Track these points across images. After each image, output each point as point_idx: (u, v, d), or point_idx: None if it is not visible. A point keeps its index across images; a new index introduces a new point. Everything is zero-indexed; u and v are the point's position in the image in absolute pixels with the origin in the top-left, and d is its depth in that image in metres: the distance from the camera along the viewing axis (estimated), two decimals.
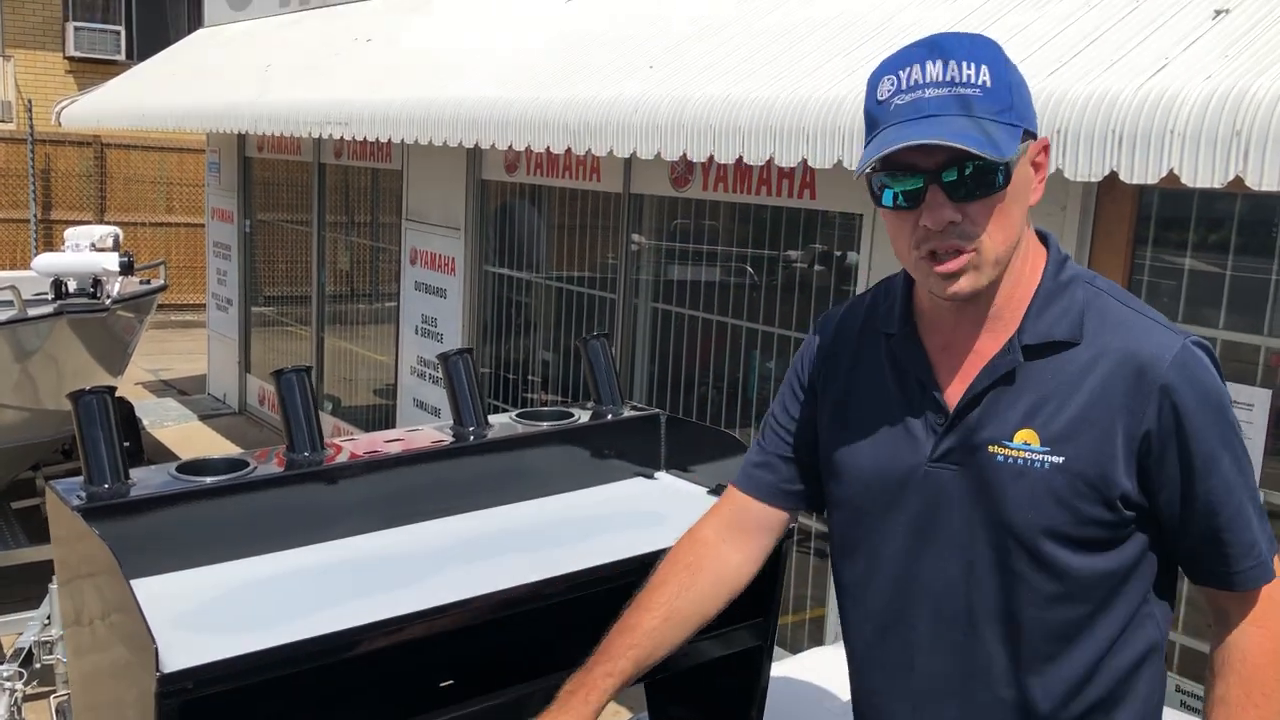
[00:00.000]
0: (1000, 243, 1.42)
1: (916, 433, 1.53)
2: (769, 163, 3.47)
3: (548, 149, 4.33)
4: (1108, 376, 1.44)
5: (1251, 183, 2.37)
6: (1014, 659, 1.50)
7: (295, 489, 1.90)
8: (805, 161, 3.31)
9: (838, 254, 4.71)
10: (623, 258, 5.57)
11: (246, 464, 1.88)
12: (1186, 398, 1.42)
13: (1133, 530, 1.48)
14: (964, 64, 1.38)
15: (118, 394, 1.82)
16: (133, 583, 1.47)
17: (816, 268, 4.86)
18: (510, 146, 4.57)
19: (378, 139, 5.47)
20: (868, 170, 1.44)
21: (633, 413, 2.31)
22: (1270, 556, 1.48)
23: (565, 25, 5.48)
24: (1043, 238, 1.55)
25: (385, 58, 6.54)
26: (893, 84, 1.41)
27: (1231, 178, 2.40)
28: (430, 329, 7.08)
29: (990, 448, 1.47)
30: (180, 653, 1.43)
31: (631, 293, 5.60)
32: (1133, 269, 3.60)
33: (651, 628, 1.65)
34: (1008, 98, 1.39)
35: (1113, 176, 2.65)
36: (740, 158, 3.52)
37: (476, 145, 4.81)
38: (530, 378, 6.68)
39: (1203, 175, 2.46)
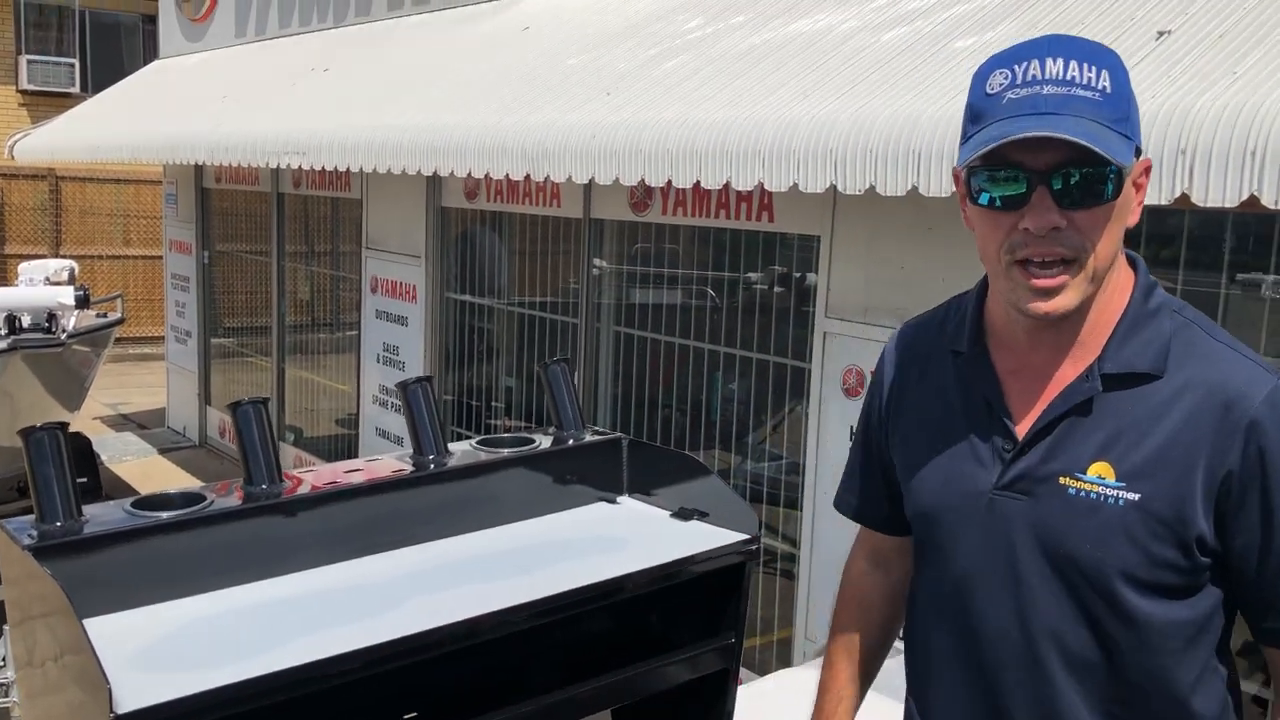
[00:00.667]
0: (1103, 258, 1.34)
1: (982, 457, 1.45)
2: (726, 186, 3.50)
3: (506, 175, 4.34)
4: (1192, 411, 1.34)
5: (1198, 199, 2.42)
6: (1086, 702, 1.41)
7: (253, 522, 1.88)
8: (762, 184, 3.33)
9: (797, 275, 4.75)
10: (584, 282, 5.58)
11: (203, 498, 1.85)
12: (1275, 439, 1.31)
13: (1207, 580, 1.38)
14: (1085, 65, 1.30)
15: (74, 429, 1.80)
16: (86, 622, 1.44)
17: (776, 289, 4.90)
18: (469, 173, 4.58)
19: (335, 168, 5.45)
20: (966, 166, 1.35)
21: (594, 437, 2.31)
22: None
23: (522, 52, 5.50)
24: (1131, 262, 1.45)
25: (342, 87, 6.53)
26: (1006, 78, 1.32)
27: (1178, 194, 2.45)
28: (392, 357, 7.04)
29: (1061, 479, 1.38)
30: (135, 693, 1.40)
31: (594, 317, 5.61)
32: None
33: (851, 676, 1.71)
34: (1125, 108, 1.32)
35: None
36: (698, 182, 3.55)
37: (435, 173, 4.81)
38: (494, 404, 6.66)
39: (1149, 192, 2.49)
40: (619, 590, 1.93)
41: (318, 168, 5.61)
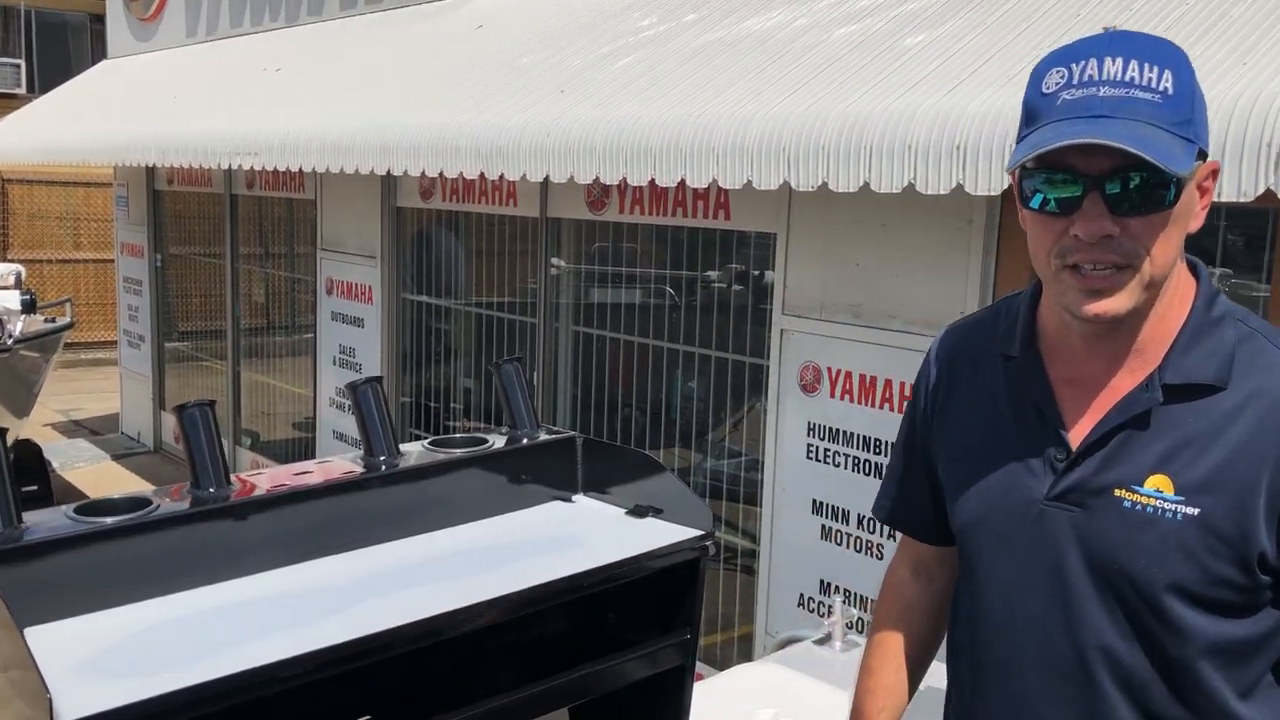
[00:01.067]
0: (1160, 265, 1.28)
1: (1032, 467, 1.40)
2: (681, 184, 3.50)
3: (461, 174, 4.32)
4: (1257, 424, 1.29)
5: None
6: (1137, 718, 1.37)
7: (200, 526, 1.85)
8: (716, 182, 3.34)
9: (755, 273, 4.76)
10: (542, 282, 5.56)
11: (149, 502, 1.82)
12: None
13: (1267, 600, 1.34)
14: (1146, 65, 1.25)
15: (25, 436, 1.77)
16: (28, 631, 1.42)
17: (735, 287, 4.91)
18: (423, 172, 4.55)
19: (288, 168, 5.40)
20: (1019, 168, 1.32)
21: (548, 436, 2.30)
22: None
23: (476, 51, 5.47)
24: (1193, 269, 1.40)
25: (295, 87, 6.47)
26: (1063, 76, 1.27)
27: None
28: (348, 359, 6.99)
29: (1117, 491, 1.34)
30: (78, 702, 1.38)
31: (552, 316, 5.59)
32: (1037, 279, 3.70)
33: (892, 684, 1.66)
34: (1188, 109, 1.26)
35: (1011, 189, 2.72)
36: (652, 179, 3.54)
37: (389, 172, 4.78)
38: (453, 405, 6.63)
39: None
40: (575, 588, 1.92)
41: (270, 168, 5.55)
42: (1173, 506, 1.31)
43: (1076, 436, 1.38)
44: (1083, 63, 1.27)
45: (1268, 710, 1.37)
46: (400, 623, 1.69)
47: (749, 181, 3.24)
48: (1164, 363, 1.34)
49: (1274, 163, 2.28)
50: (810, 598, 4.36)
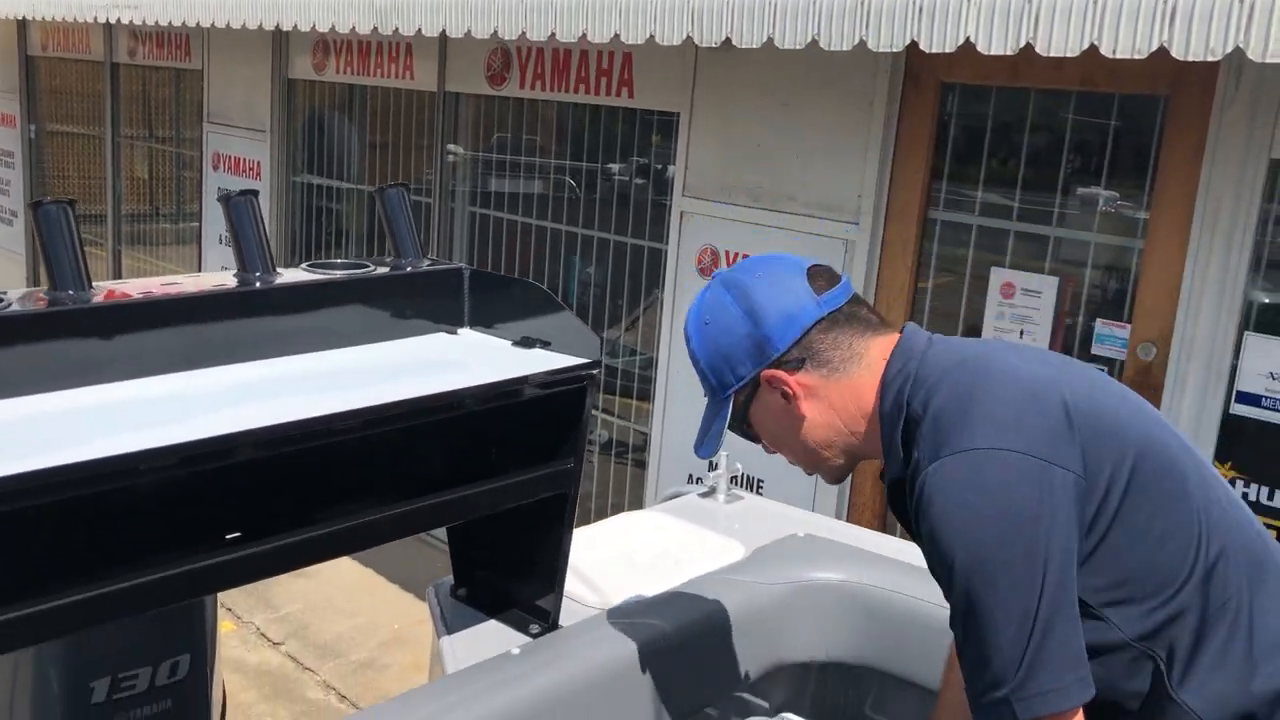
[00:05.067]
0: (794, 456, 1.63)
1: None
2: (584, 58, 3.40)
3: (353, 28, 4.14)
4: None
5: (1041, 49, 2.45)
6: None
7: (56, 328, 1.74)
8: (618, 36, 3.25)
9: (657, 167, 4.71)
10: (438, 161, 5.41)
11: (0, 298, 1.71)
12: (923, 528, 1.36)
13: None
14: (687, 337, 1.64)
15: None
16: None
17: (636, 180, 4.85)
18: (314, 26, 4.35)
19: (170, 23, 5.11)
20: None
21: (433, 266, 2.23)
22: (994, 699, 1.27)
23: None
24: (882, 393, 1.50)
25: None
26: None
27: (1023, 44, 2.48)
28: None
29: None
30: None
31: (448, 198, 5.46)
32: (934, 168, 3.72)
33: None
34: (701, 367, 1.62)
35: (916, 68, 2.70)
36: (553, 34, 3.44)
37: (278, 27, 4.55)
38: None
39: (996, 44, 2.53)
40: (455, 405, 1.88)
41: (151, 22, 5.25)
42: None
43: None
44: None
45: (1209, 688, 1.37)
46: (271, 423, 1.63)
47: (651, 36, 3.16)
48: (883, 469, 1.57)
49: (1245, 21, 2.24)
50: (699, 479, 4.40)
